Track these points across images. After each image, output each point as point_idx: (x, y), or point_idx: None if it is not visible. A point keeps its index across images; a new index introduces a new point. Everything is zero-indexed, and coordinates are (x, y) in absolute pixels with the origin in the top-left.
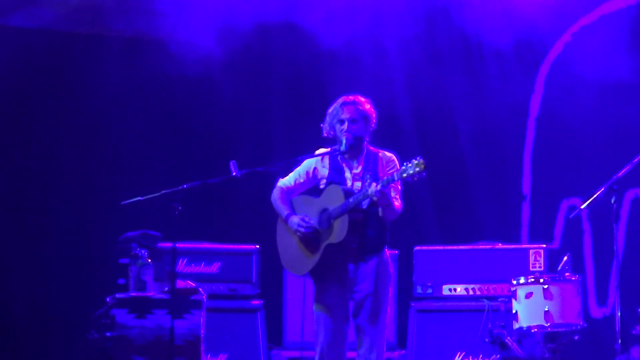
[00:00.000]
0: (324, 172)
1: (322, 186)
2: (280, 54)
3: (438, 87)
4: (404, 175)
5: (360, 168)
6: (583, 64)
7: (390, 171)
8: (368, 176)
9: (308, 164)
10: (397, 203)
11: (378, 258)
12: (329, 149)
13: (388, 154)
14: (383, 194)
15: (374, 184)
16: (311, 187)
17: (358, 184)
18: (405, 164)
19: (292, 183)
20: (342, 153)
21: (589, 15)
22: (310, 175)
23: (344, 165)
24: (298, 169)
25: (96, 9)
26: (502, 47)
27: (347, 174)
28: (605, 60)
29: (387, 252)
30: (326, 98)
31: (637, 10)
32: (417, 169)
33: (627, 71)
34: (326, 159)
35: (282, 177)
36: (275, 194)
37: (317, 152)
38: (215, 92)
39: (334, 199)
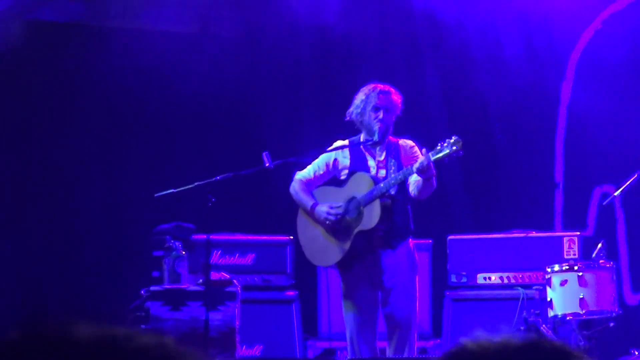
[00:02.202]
0: (346, 162)
1: (342, 177)
2: (310, 43)
3: (469, 75)
4: (441, 154)
5: (383, 155)
6: (613, 50)
7: (414, 156)
8: (392, 163)
9: (327, 155)
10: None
11: (405, 245)
12: (346, 141)
13: (408, 141)
14: (428, 167)
15: (420, 157)
16: (328, 180)
17: (383, 172)
18: (440, 143)
19: (312, 175)
20: (375, 143)
21: (619, 2)
22: (331, 167)
23: (366, 153)
24: (316, 161)
25: (126, 2)
26: (532, 34)
27: (371, 162)
28: (635, 47)
29: (411, 241)
30: (357, 87)
31: None
32: (454, 148)
33: None
34: (347, 150)
35: (300, 170)
36: (296, 186)
37: (336, 144)
38: (246, 83)
39: (361, 186)
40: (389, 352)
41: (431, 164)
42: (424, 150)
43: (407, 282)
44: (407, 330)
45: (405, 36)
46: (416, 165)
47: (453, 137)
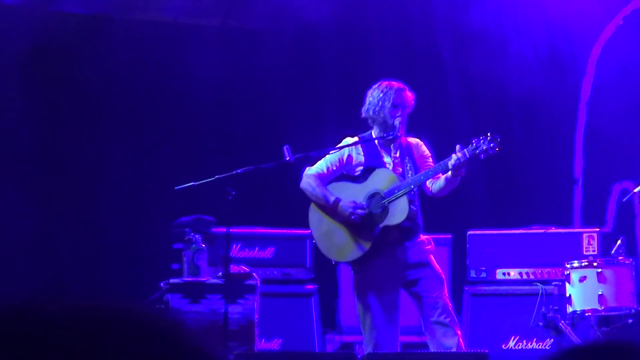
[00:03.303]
0: (360, 158)
1: (357, 173)
2: (330, 38)
3: (489, 71)
4: (477, 151)
5: (398, 153)
6: (634, 47)
7: (424, 154)
8: (407, 159)
9: (340, 152)
10: None
11: (424, 237)
12: (357, 138)
13: (416, 139)
14: (463, 164)
15: (454, 155)
16: (338, 176)
17: (399, 169)
18: (475, 140)
19: (325, 170)
20: (388, 141)
21: None
22: (344, 162)
23: (381, 150)
24: (328, 157)
25: None
26: (553, 31)
27: (387, 159)
28: None
29: (422, 236)
30: (377, 76)
31: None
32: (492, 145)
33: None
34: (359, 146)
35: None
36: (311, 182)
37: (345, 141)
38: (268, 76)
39: (384, 181)
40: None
41: (467, 161)
42: (456, 154)
43: (435, 265)
44: (449, 308)
45: (426, 31)
46: (452, 161)
47: (489, 134)
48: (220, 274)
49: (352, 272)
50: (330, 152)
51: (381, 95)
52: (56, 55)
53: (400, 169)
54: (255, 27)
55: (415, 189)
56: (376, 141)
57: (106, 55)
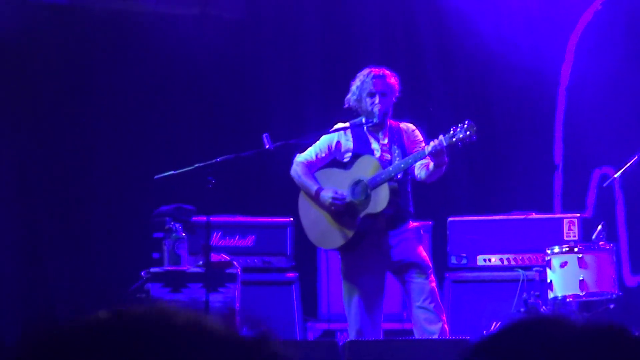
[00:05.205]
0: (349, 144)
1: (346, 159)
2: (311, 25)
3: (470, 58)
4: (454, 139)
5: (386, 139)
6: (612, 32)
7: (417, 139)
8: (395, 147)
9: (329, 137)
10: None
11: (410, 226)
12: (347, 124)
13: (409, 124)
14: (442, 151)
15: (434, 141)
16: (329, 162)
17: (387, 155)
18: (453, 128)
19: (314, 157)
20: (376, 126)
21: None
22: (333, 148)
23: (370, 136)
24: (318, 143)
25: None
26: (532, 16)
27: (375, 145)
28: (632, 28)
29: (412, 223)
30: (358, 69)
31: None
32: (468, 133)
33: None
34: (349, 132)
35: (300, 153)
36: (298, 169)
37: (337, 126)
38: (247, 65)
39: (368, 169)
40: (417, 305)
41: (444, 148)
42: (434, 141)
43: (421, 252)
44: (434, 294)
45: (406, 19)
46: (429, 148)
47: (466, 122)
48: (200, 262)
49: (340, 257)
50: (322, 137)
51: (359, 84)
52: (34, 46)
53: (388, 155)
54: (233, 16)
55: (405, 176)
56: (365, 127)
57: (84, 45)
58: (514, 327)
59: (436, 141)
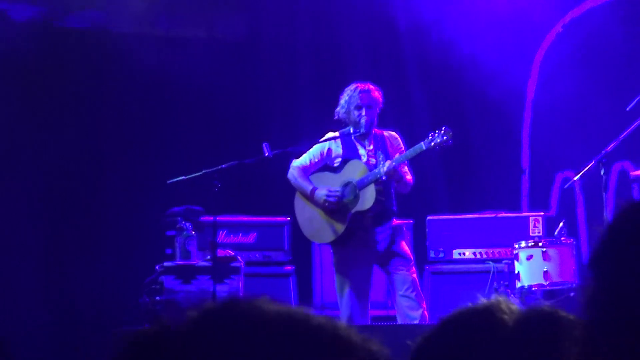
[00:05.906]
0: (339, 150)
1: (336, 164)
2: (305, 44)
3: (448, 71)
4: (432, 144)
5: (372, 146)
6: (572, 51)
7: (399, 146)
8: (379, 152)
9: (321, 145)
10: (409, 177)
11: (394, 223)
12: (337, 133)
13: (392, 133)
14: (394, 171)
15: (387, 162)
16: (322, 167)
17: (373, 160)
18: (431, 134)
19: (308, 162)
20: (363, 135)
21: (578, 8)
22: (325, 154)
23: (357, 144)
24: (311, 150)
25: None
26: (503, 36)
27: (362, 151)
28: (590, 48)
29: (395, 220)
30: (347, 85)
31: (622, 4)
32: (445, 138)
33: (617, 55)
34: (339, 140)
35: (296, 159)
36: (294, 173)
37: (328, 135)
38: (248, 82)
39: (356, 171)
40: (400, 293)
41: (397, 168)
42: (388, 162)
43: (403, 246)
44: (415, 283)
45: (389, 39)
46: (383, 169)
47: (443, 128)
48: (208, 257)
49: (331, 251)
50: (315, 145)
51: (347, 98)
52: (58, 65)
53: (374, 160)
54: (236, 38)
55: (387, 182)
56: (352, 136)
57: (104, 65)
58: (446, 325)
59: (389, 162)
